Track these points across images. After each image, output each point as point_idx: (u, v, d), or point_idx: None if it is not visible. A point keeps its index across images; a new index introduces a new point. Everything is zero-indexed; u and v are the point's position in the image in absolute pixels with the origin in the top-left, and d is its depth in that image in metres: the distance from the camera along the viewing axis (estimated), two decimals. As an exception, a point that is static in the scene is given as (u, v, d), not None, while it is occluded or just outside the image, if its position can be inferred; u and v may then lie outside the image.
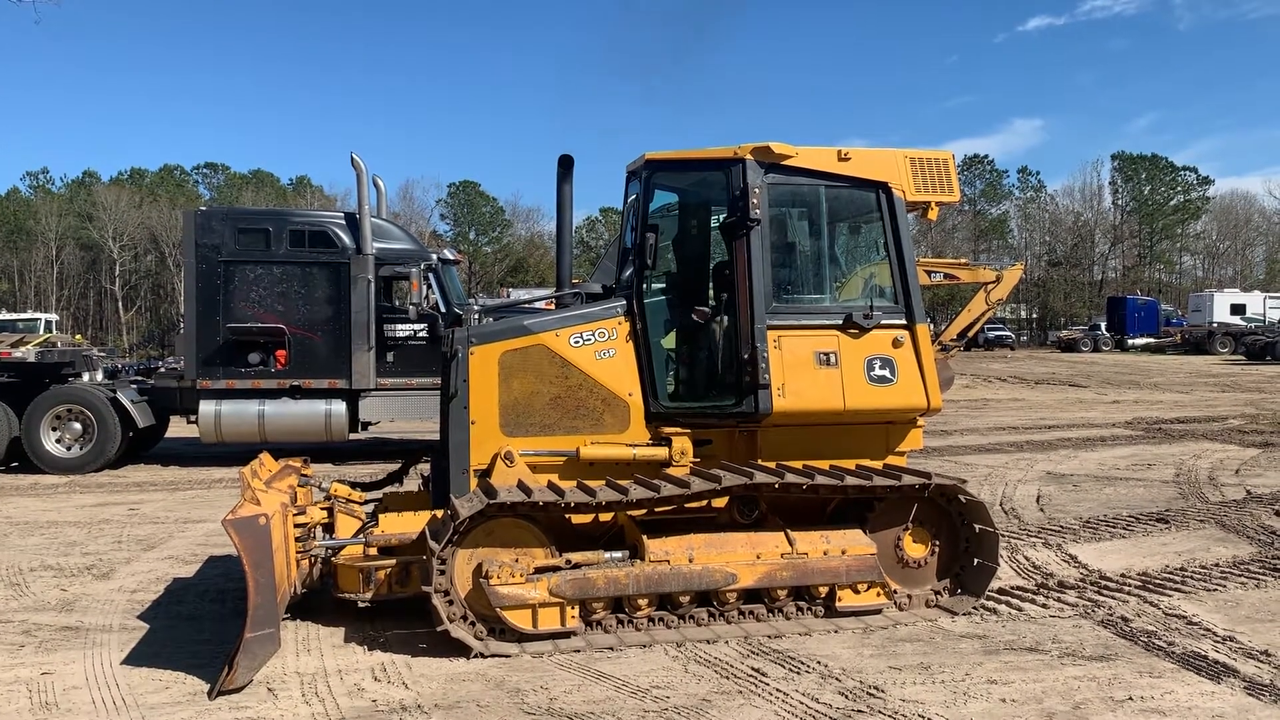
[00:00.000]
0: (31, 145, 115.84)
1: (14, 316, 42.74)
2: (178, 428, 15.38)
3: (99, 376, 15.34)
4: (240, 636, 5.27)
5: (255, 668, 5.37)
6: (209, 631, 6.38)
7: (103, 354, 17.92)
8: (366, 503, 7.52)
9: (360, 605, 6.52)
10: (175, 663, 5.71)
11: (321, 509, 6.90)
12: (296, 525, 6.41)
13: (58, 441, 13.94)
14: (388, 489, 8.12)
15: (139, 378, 15.65)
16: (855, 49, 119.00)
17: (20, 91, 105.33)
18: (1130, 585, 7.26)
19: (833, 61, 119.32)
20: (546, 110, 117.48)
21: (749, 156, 6.76)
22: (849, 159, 6.95)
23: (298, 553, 6.31)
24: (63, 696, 5.23)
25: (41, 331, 28.79)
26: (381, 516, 6.74)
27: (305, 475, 7.37)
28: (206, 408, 13.72)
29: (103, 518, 10.51)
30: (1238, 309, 52.06)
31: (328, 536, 6.73)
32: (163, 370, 15.73)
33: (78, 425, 13.94)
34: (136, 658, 5.85)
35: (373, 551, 6.39)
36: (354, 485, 7.71)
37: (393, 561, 6.32)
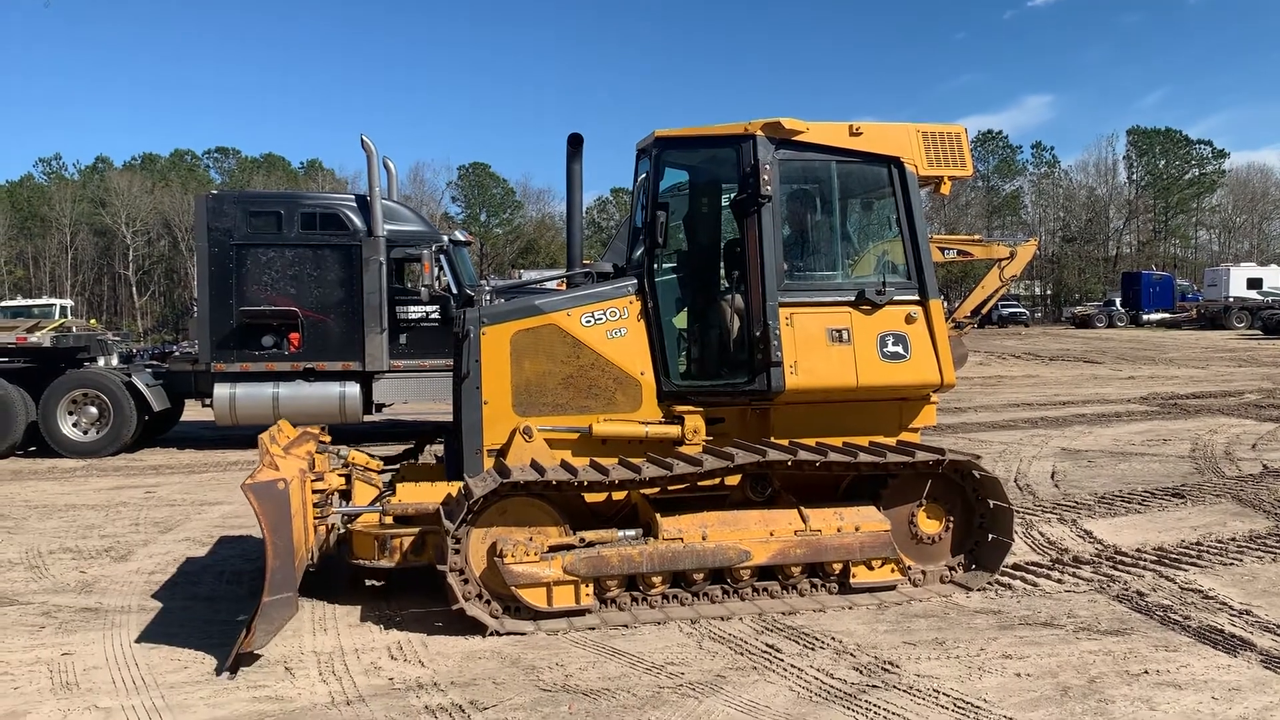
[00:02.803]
0: (44, 131, 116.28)
1: (29, 302, 42.93)
2: (193, 411, 15.47)
3: (114, 361, 15.42)
4: (258, 601, 5.29)
5: (273, 631, 5.40)
6: (226, 612, 6.42)
7: (117, 338, 17.98)
8: (384, 472, 7.54)
9: (374, 584, 6.54)
10: (193, 643, 5.76)
11: (339, 476, 6.93)
12: (314, 491, 6.43)
13: (74, 425, 14.04)
14: (404, 463, 8.13)
15: (154, 362, 15.72)
16: (862, 26, 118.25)
17: (32, 78, 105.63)
18: (1146, 560, 7.24)
19: (840, 39, 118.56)
20: (557, 90, 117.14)
21: (760, 133, 6.72)
22: (861, 134, 6.90)
23: (315, 519, 6.33)
24: (83, 676, 5.29)
25: (56, 317, 28.91)
26: (399, 486, 6.76)
27: (323, 442, 7.37)
28: (221, 391, 13.78)
29: (120, 500, 10.59)
30: (1254, 283, 51.57)
31: (344, 504, 6.76)
32: (177, 354, 15.80)
33: (94, 409, 14.03)
34: (155, 638, 5.90)
35: (389, 520, 6.41)
36: (371, 456, 7.72)
37: (408, 530, 6.34)
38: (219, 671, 5.26)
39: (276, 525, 5.39)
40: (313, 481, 6.42)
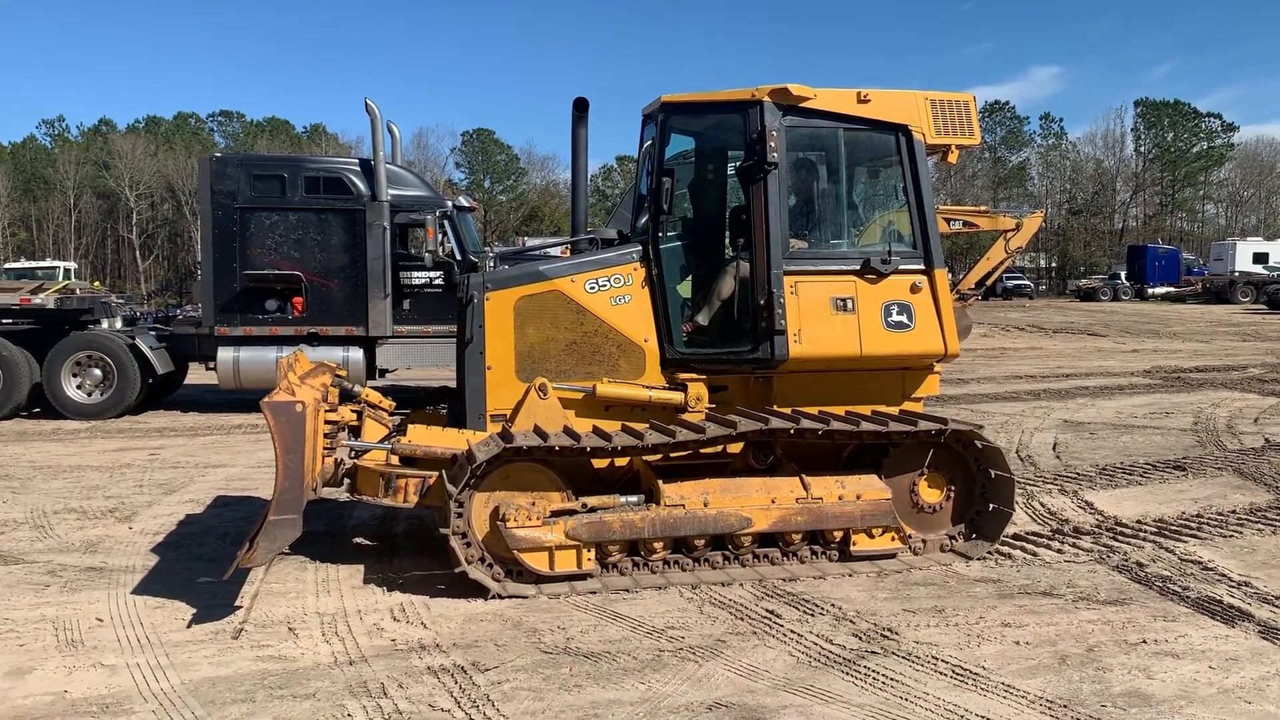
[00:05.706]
0: (48, 93, 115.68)
1: (33, 264, 42.91)
2: (196, 374, 15.50)
3: (118, 323, 15.42)
4: (263, 518, 5.31)
5: (274, 550, 5.45)
6: (230, 573, 6.46)
7: (121, 301, 17.99)
8: (395, 414, 7.54)
9: (369, 544, 6.54)
10: (196, 602, 5.80)
11: (352, 411, 6.96)
12: (326, 422, 6.44)
13: (78, 387, 14.06)
14: (416, 410, 8.11)
15: (158, 325, 15.72)
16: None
17: (36, 40, 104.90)
18: (1146, 531, 7.26)
19: (848, 5, 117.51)
20: (562, 56, 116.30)
21: (767, 98, 6.66)
22: (869, 101, 6.84)
23: (324, 449, 6.35)
24: (88, 634, 5.33)
25: (60, 279, 28.90)
26: (410, 428, 6.78)
27: (339, 375, 7.37)
28: (225, 354, 13.81)
29: (124, 462, 10.63)
30: (1260, 258, 51.30)
31: (354, 439, 6.79)
32: (181, 317, 15.81)
33: (98, 371, 14.05)
34: (159, 597, 5.94)
35: (394, 460, 6.43)
36: (384, 396, 7.70)
37: (414, 472, 6.31)
38: (220, 577, 5.38)
39: (290, 446, 5.42)
40: (326, 412, 6.43)
